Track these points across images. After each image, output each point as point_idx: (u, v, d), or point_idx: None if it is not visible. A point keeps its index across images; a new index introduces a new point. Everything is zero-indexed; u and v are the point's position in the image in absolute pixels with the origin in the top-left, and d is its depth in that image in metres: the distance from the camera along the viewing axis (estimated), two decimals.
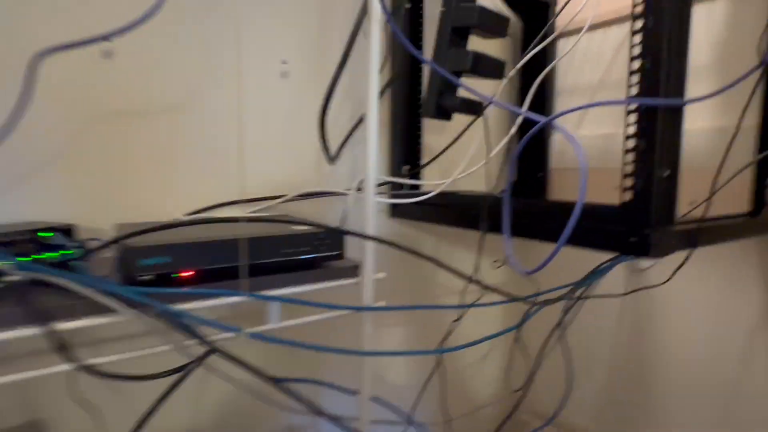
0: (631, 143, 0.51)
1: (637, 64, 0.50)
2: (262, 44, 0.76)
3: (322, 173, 0.85)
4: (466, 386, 1.10)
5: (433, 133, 0.96)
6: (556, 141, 1.05)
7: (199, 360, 0.44)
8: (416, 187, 0.87)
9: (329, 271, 0.56)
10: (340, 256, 0.57)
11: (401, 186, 0.87)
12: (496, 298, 0.64)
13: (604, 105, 0.68)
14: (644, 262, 0.88)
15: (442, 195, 0.76)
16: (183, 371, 0.44)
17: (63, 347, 0.41)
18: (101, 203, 0.65)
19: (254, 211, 0.77)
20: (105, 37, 0.58)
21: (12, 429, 0.62)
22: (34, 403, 0.64)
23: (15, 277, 0.45)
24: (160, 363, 0.49)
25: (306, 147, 0.82)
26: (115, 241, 0.47)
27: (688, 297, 0.85)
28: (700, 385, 0.85)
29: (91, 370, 0.41)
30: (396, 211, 0.90)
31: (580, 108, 0.56)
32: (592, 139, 0.98)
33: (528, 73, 0.97)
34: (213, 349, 0.44)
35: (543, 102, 1.00)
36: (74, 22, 0.62)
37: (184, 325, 0.45)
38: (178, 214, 0.71)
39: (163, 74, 0.69)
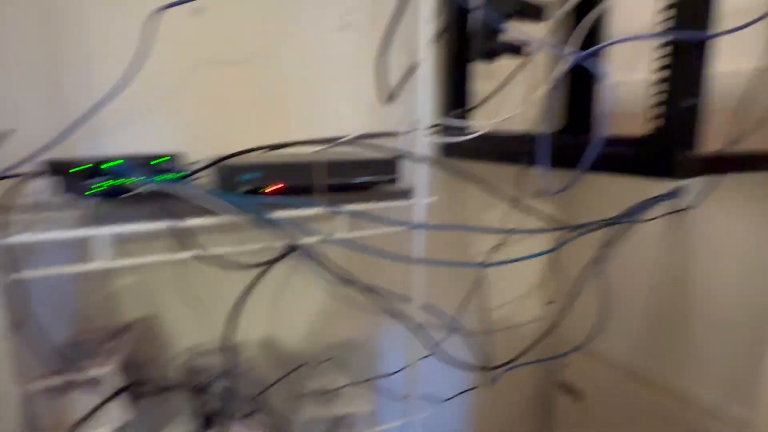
0: (660, 75, 0.56)
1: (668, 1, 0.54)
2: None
3: (378, 118, 0.94)
4: (506, 309, 1.19)
5: (482, 79, 1.02)
6: (606, 88, 1.08)
7: (287, 253, 0.56)
8: (464, 129, 0.95)
9: (387, 193, 0.67)
10: (395, 181, 0.67)
11: (451, 129, 0.94)
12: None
13: (634, 40, 0.71)
14: (683, 203, 0.92)
15: (489, 135, 0.84)
16: (273, 262, 0.56)
17: (184, 238, 0.54)
18: (198, 137, 0.78)
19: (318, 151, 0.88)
20: None
21: (132, 321, 0.79)
22: (149, 299, 0.81)
23: (140, 190, 0.59)
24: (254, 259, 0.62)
25: (364, 93, 0.91)
26: (219, 161, 0.59)
27: (727, 236, 0.88)
28: (734, 320, 0.89)
29: (207, 258, 0.54)
30: (445, 151, 0.98)
31: (612, 43, 0.62)
32: (644, 84, 1.00)
33: (578, 17, 1.00)
34: (296, 247, 0.55)
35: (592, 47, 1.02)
36: None
37: (273, 226, 0.57)
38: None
39: (242, 28, 0.79)
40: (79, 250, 0.74)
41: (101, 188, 0.57)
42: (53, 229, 0.52)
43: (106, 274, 0.77)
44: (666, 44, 0.55)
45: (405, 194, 0.68)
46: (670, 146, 0.56)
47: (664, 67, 0.56)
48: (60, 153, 0.69)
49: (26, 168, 0.67)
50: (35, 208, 0.64)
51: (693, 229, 0.94)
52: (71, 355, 0.55)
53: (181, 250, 0.59)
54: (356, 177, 0.64)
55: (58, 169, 0.59)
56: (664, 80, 0.56)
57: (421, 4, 0.62)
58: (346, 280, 0.63)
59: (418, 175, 0.67)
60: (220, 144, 0.80)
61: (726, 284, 0.90)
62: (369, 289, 0.61)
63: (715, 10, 0.54)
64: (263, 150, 0.62)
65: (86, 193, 0.56)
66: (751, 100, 0.75)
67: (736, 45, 0.82)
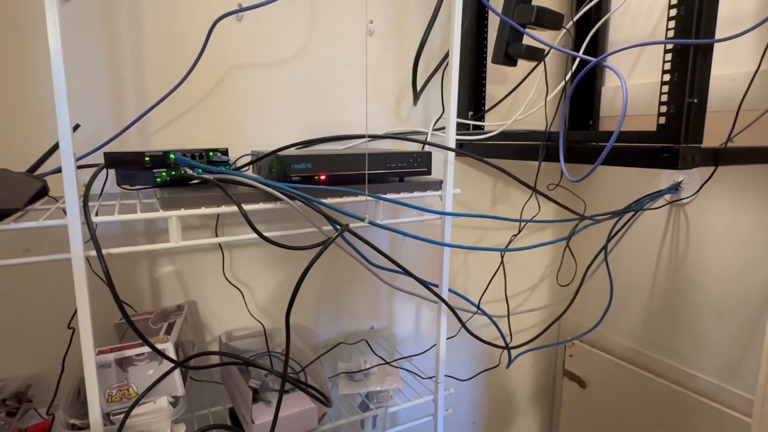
0: (666, 77, 0.63)
1: (673, 12, 0.62)
2: (353, 8, 0.92)
3: (401, 117, 1.01)
4: (522, 297, 1.27)
5: (494, 84, 1.10)
6: (606, 92, 1.16)
7: (337, 235, 0.62)
8: (480, 128, 1.02)
9: (420, 184, 0.73)
10: (427, 173, 0.74)
11: (468, 128, 1.01)
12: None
13: (644, 45, 0.79)
14: (685, 193, 1.00)
15: (503, 134, 0.91)
16: (325, 244, 0.62)
17: (248, 220, 0.60)
18: (238, 132, 0.84)
19: (347, 147, 0.95)
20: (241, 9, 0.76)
21: (177, 304, 0.84)
22: (191, 286, 0.86)
23: (206, 177, 0.65)
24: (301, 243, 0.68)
25: (388, 94, 0.98)
26: (272, 153, 0.66)
27: (722, 227, 0.96)
28: (731, 305, 0.97)
29: (266, 238, 0.60)
30: (462, 150, 1.05)
31: (623, 49, 0.69)
32: (643, 87, 1.08)
33: (584, 26, 1.08)
34: (346, 228, 0.62)
35: (596, 53, 1.10)
36: None
37: (323, 212, 0.63)
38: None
39: (277, 35, 0.86)
40: (137, 236, 0.80)
41: (169, 177, 0.63)
42: (126, 213, 0.57)
43: (158, 259, 0.82)
44: (672, 50, 0.63)
45: (436, 185, 0.74)
46: (675, 140, 0.64)
47: (670, 70, 0.63)
48: (114, 149, 0.76)
49: (88, 161, 0.73)
50: (102, 197, 0.70)
51: (691, 220, 1.01)
52: (137, 330, 0.60)
53: (233, 234, 0.65)
54: (394, 168, 0.71)
55: (124, 160, 0.65)
56: (669, 82, 0.63)
57: (453, 11, 0.69)
58: (384, 264, 0.69)
59: (445, 168, 0.74)
60: (258, 139, 0.87)
61: (722, 272, 0.98)
62: (403, 271, 0.68)
63: (715, 20, 0.62)
64: (307, 144, 0.68)
65: (157, 180, 0.62)
66: (744, 101, 0.83)
67: (730, 52, 0.91)
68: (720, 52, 0.92)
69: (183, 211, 0.58)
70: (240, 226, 0.86)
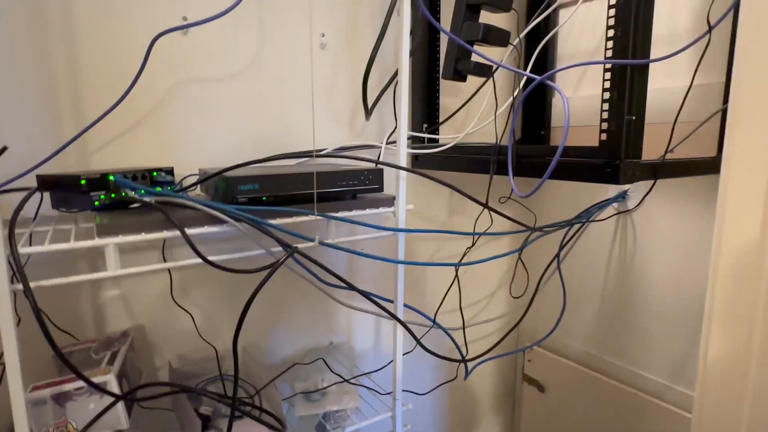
0: (606, 95, 0.66)
1: (611, 33, 0.64)
2: (303, 21, 0.91)
3: (355, 131, 1.00)
4: (479, 306, 1.28)
5: (448, 96, 1.11)
6: (557, 103, 1.19)
7: (286, 257, 0.61)
8: (434, 141, 1.03)
9: (372, 201, 0.73)
10: (380, 190, 0.74)
11: (422, 141, 1.02)
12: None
13: (584, 65, 0.82)
14: (630, 204, 1.04)
15: (457, 147, 0.92)
16: (273, 267, 0.61)
17: (192, 245, 0.58)
18: (184, 150, 0.82)
19: (298, 164, 0.93)
20: (187, 25, 0.74)
21: (122, 331, 0.80)
22: (138, 310, 0.83)
23: (147, 200, 0.62)
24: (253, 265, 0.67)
25: (341, 108, 0.98)
26: (218, 174, 0.64)
27: (664, 234, 1.01)
28: (674, 307, 1.01)
29: (212, 263, 0.58)
30: (417, 162, 1.06)
31: (565, 68, 0.71)
32: (589, 98, 1.12)
33: (533, 41, 1.11)
34: (296, 250, 0.61)
35: (544, 67, 1.13)
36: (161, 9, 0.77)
37: (271, 233, 0.62)
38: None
39: (225, 49, 0.84)
40: (77, 260, 0.76)
41: (107, 200, 0.60)
42: (60, 241, 0.54)
43: (102, 283, 0.78)
44: (611, 69, 0.65)
45: (389, 201, 0.74)
46: (616, 156, 0.66)
47: (609, 88, 0.65)
48: (50, 169, 0.72)
49: (23, 183, 0.69)
50: (36, 221, 0.66)
51: (637, 228, 1.05)
52: (72, 363, 0.57)
53: (178, 259, 0.62)
54: (345, 186, 0.70)
55: (58, 183, 0.61)
56: (609, 99, 0.65)
57: (401, 27, 0.69)
58: (335, 283, 0.68)
59: (397, 184, 0.74)
60: (206, 157, 0.84)
61: (665, 277, 1.02)
62: (355, 291, 0.67)
63: (649, 41, 0.65)
64: (259, 162, 0.67)
65: (95, 204, 0.59)
66: (681, 114, 0.87)
67: (668, 67, 0.95)
68: (658, 68, 0.96)
69: (121, 238, 0.55)
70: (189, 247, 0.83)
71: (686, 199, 0.96)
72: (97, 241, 0.53)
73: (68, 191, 0.62)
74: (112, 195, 0.61)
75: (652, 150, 0.88)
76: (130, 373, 0.73)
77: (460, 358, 0.84)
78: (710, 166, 0.82)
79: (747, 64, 0.46)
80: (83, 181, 0.59)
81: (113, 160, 0.77)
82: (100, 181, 0.61)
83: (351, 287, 0.67)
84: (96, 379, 0.63)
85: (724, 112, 0.86)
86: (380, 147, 0.93)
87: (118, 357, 0.69)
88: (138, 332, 0.83)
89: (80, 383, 0.62)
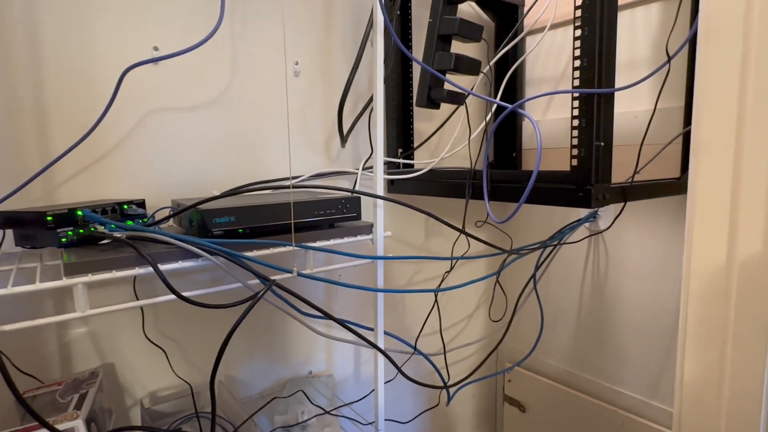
0: (575, 122, 0.68)
1: (578, 63, 0.67)
2: (276, 48, 0.91)
3: (331, 157, 1.00)
4: (458, 328, 1.28)
5: (422, 121, 1.13)
6: (527, 126, 1.23)
7: (264, 291, 0.59)
8: (410, 166, 1.04)
9: (350, 230, 0.73)
10: (357, 218, 0.73)
11: (398, 166, 1.03)
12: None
13: (553, 94, 0.84)
14: (603, 225, 1.07)
15: (432, 172, 0.93)
16: (251, 301, 0.59)
17: (166, 282, 0.56)
18: (156, 181, 0.80)
19: (274, 193, 0.92)
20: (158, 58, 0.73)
21: (90, 371, 0.77)
22: (107, 348, 0.79)
23: (118, 235, 0.60)
24: (229, 299, 0.65)
25: (316, 135, 0.98)
26: (192, 207, 0.62)
27: (638, 253, 1.03)
28: (648, 324, 1.04)
29: (187, 299, 0.57)
30: (393, 187, 1.06)
31: (535, 97, 0.73)
32: (558, 122, 1.15)
33: (502, 68, 1.14)
34: (274, 283, 0.59)
35: (514, 92, 1.17)
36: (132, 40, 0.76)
37: (248, 267, 0.60)
38: (216, 192, 0.86)
39: (198, 77, 0.83)
40: (42, 299, 0.72)
41: (75, 236, 0.58)
42: (24, 281, 0.52)
43: (68, 321, 0.75)
44: (579, 97, 0.67)
45: (367, 229, 0.74)
46: (587, 181, 0.68)
47: (578, 116, 0.67)
48: (13, 205, 0.69)
49: None
50: (2, 257, 0.63)
51: (609, 247, 1.08)
52: (35, 410, 0.54)
53: (150, 292, 0.60)
54: (322, 216, 0.70)
55: (22, 219, 0.59)
56: (578, 126, 0.68)
57: (375, 56, 0.70)
58: (313, 313, 0.67)
59: (374, 211, 0.74)
60: (179, 188, 0.83)
61: (639, 294, 1.04)
62: (334, 321, 0.66)
63: (614, 70, 0.68)
64: (234, 193, 0.66)
65: (62, 240, 0.57)
66: (644, 136, 0.90)
67: (630, 92, 1.00)
68: (622, 93, 1.00)
69: (90, 277, 0.53)
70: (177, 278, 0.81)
71: (653, 218, 0.99)
72: (65, 281, 0.51)
73: (33, 228, 0.59)
74: (80, 231, 0.59)
75: (617, 172, 0.91)
76: (100, 416, 0.69)
77: (441, 383, 0.83)
78: (675, 188, 0.85)
79: (708, 95, 0.49)
80: (49, 217, 0.57)
81: (81, 193, 0.74)
82: (67, 216, 0.59)
83: (330, 318, 0.66)
84: (62, 426, 0.60)
85: (686, 134, 0.90)
86: (356, 173, 0.93)
87: (86, 399, 0.66)
88: (107, 371, 0.80)
89: (50, 429, 0.59)
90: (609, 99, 0.68)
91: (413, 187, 1.00)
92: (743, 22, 0.44)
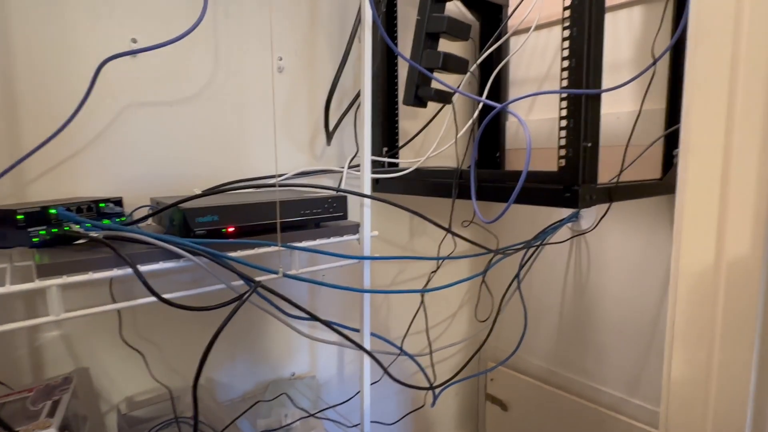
0: (563, 123, 0.68)
1: (566, 63, 0.67)
2: (260, 43, 0.89)
3: (315, 155, 0.99)
4: (441, 327, 1.28)
5: (408, 119, 1.12)
6: (510, 126, 1.23)
7: (249, 293, 0.58)
8: (395, 165, 1.03)
9: (337, 229, 0.71)
10: (344, 217, 0.72)
11: (383, 165, 1.02)
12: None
13: (541, 94, 0.85)
14: (585, 224, 1.08)
15: (418, 171, 0.92)
16: (236, 302, 0.57)
17: (146, 284, 0.54)
18: (135, 179, 0.77)
19: (259, 192, 0.90)
20: (136, 51, 0.70)
21: (63, 376, 0.74)
22: (81, 351, 0.76)
23: (94, 235, 0.58)
24: (211, 300, 0.63)
25: (300, 132, 0.96)
26: (173, 205, 0.60)
27: (619, 252, 1.05)
28: (629, 323, 1.05)
29: (168, 302, 0.55)
30: (378, 186, 1.05)
31: (524, 97, 0.73)
32: (541, 122, 1.16)
33: (487, 67, 1.14)
34: (259, 285, 0.58)
35: (499, 92, 1.17)
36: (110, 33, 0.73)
37: (232, 268, 0.59)
38: (198, 191, 0.83)
39: (179, 71, 0.81)
40: (12, 301, 0.69)
41: (50, 236, 0.55)
42: None
43: (39, 326, 0.72)
44: (567, 98, 0.67)
45: (354, 229, 0.73)
46: (575, 181, 0.68)
47: (566, 116, 0.67)
48: None
49: None
50: None
51: (591, 247, 1.09)
52: (4, 418, 0.51)
53: (128, 293, 0.58)
54: (308, 215, 0.68)
55: None
56: (566, 127, 0.68)
57: (363, 53, 0.69)
58: (298, 314, 0.65)
59: (361, 211, 0.73)
60: (158, 185, 0.80)
61: (619, 292, 1.06)
62: (323, 323, 0.65)
63: (601, 71, 0.68)
64: (217, 192, 0.64)
65: (34, 240, 0.54)
66: (629, 137, 0.91)
67: (613, 94, 1.01)
68: (605, 95, 1.01)
69: (65, 279, 0.50)
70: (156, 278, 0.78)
71: (634, 218, 1.01)
72: (37, 284, 0.49)
73: (2, 227, 0.56)
74: (54, 230, 0.57)
75: (601, 172, 0.91)
76: (74, 424, 0.66)
77: (426, 384, 0.83)
78: (658, 188, 0.86)
79: (697, 96, 0.49)
80: (20, 216, 0.54)
81: (55, 191, 0.71)
82: (39, 214, 0.56)
83: (316, 319, 0.65)
84: None
85: (667, 136, 0.91)
86: (341, 172, 0.92)
87: (59, 407, 0.63)
88: (82, 376, 0.77)
89: None
90: (596, 100, 0.68)
91: (399, 186, 0.99)
92: (733, 23, 0.45)
